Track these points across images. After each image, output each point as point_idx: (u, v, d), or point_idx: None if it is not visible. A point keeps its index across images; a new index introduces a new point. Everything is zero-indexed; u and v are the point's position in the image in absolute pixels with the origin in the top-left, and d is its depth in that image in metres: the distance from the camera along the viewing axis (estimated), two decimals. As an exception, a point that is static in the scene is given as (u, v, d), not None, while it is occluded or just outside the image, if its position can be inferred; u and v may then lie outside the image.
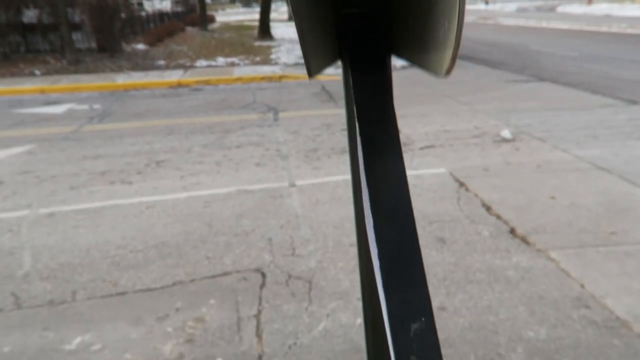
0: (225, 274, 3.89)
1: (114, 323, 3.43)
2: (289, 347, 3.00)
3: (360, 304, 3.40)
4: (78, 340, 3.29)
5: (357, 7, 0.67)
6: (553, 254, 4.00)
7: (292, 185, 5.85)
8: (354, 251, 4.07)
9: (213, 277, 3.86)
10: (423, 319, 0.50)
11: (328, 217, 4.81)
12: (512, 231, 4.44)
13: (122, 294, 3.75)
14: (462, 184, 5.66)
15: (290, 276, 3.79)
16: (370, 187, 0.57)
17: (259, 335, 3.15)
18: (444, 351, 2.83)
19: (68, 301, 3.78)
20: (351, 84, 0.64)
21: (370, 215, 0.55)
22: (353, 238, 4.30)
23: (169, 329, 3.28)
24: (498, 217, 4.75)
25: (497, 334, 3.04)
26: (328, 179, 5.94)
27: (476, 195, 5.30)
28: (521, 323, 3.14)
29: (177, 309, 3.49)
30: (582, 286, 3.53)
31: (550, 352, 2.88)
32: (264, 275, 3.84)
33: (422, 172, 6.12)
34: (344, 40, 0.67)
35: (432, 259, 3.96)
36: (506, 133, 7.60)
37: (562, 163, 6.26)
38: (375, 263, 0.53)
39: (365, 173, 0.58)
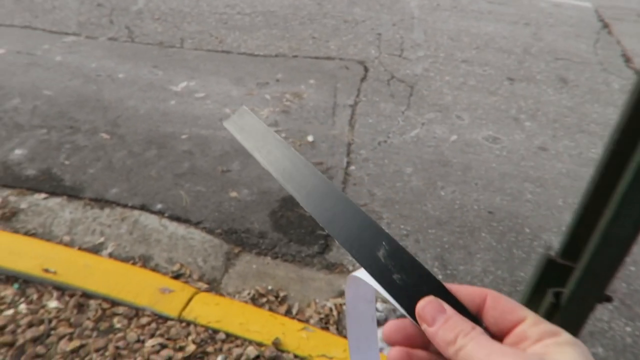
0: (329, 58, 3.79)
1: (218, 77, 3.54)
2: (379, 144, 3.02)
3: (458, 122, 3.30)
4: (184, 84, 3.46)
5: None
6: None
7: (413, -19, 5.26)
8: (464, 68, 3.79)
9: (316, 58, 3.77)
10: None
11: (445, 25, 4.39)
12: (647, 91, 3.91)
13: (227, 52, 3.79)
14: (605, 25, 4.87)
15: (393, 77, 3.64)
16: None
17: (351, 124, 3.18)
18: (531, 189, 2.77)
19: (176, 46, 3.89)
20: None
21: None
22: (467, 54, 3.96)
23: (267, 97, 3.36)
24: (637, 72, 4.15)
25: (593, 188, 2.90)
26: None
27: (618, 42, 4.59)
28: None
29: (277, 80, 3.52)
30: None
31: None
32: (366, 69, 3.71)
33: (562, 0, 5.27)
34: None
35: (548, 97, 3.63)
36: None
37: None
38: None
39: None
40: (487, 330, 0.39)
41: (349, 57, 3.80)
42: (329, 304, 2.12)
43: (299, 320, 1.98)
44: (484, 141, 3.07)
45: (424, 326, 0.39)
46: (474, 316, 0.40)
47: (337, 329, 2.01)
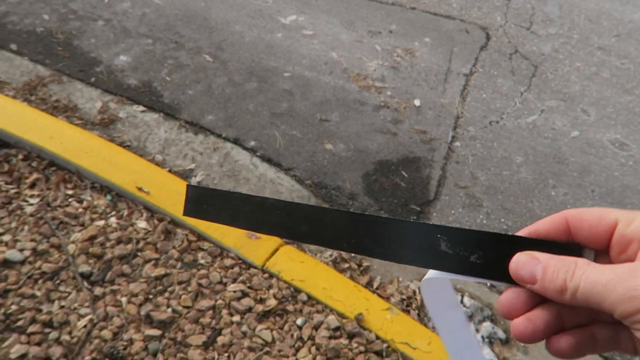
0: (449, 17, 3.46)
1: (328, 16, 3.32)
2: (490, 123, 2.76)
3: (582, 116, 2.94)
4: (293, 17, 3.27)
5: None
6: None
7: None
8: (600, 56, 3.36)
9: (435, 14, 3.45)
10: None
11: (585, 3, 3.89)
12: None
13: (341, -9, 3.53)
14: None
15: (516, 51, 3.28)
16: None
17: (463, 96, 2.91)
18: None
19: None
20: None
21: None
22: (605, 40, 3.50)
23: (378, 47, 3.12)
24: None
25: None
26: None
27: None
28: None
29: (391, 31, 3.25)
30: None
31: None
32: (488, 37, 3.36)
33: None
34: None
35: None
36: None
37: None
38: None
39: None
40: (587, 251, 0.37)
41: (471, 20, 3.46)
42: (413, 285, 1.98)
43: (380, 296, 1.86)
44: (609, 144, 2.73)
45: (528, 287, 0.37)
46: (570, 244, 0.38)
47: (419, 315, 1.88)
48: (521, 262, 0.37)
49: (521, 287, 0.38)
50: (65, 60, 2.61)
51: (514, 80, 3.07)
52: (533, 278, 0.36)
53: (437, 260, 0.39)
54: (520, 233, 0.42)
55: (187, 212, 0.48)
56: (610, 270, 0.33)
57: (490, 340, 1.83)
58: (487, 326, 1.87)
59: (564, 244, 0.38)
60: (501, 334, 1.84)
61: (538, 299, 0.39)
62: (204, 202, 0.47)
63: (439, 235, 0.39)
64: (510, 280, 0.38)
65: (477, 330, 1.84)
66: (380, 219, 0.41)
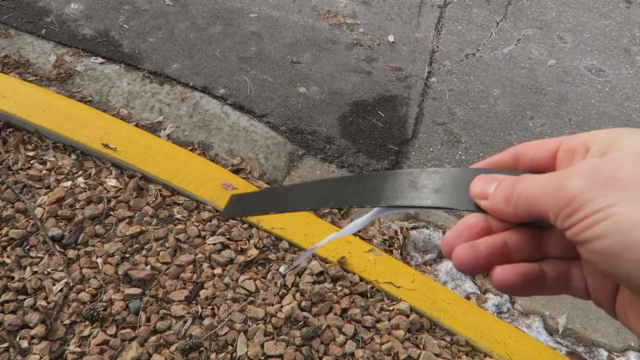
0: (420, -55, 3.28)
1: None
2: (466, 56, 2.68)
3: (559, 44, 2.88)
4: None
5: None
6: None
7: None
8: (575, -20, 3.25)
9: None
10: None
11: None
12: None
13: None
14: None
15: (491, -22, 3.15)
16: None
17: (438, 29, 2.81)
18: None
19: None
20: None
21: None
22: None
23: (347, -18, 2.96)
24: None
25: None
26: None
27: None
28: None
29: (360, -37, 3.08)
30: None
31: None
32: (462, -36, 3.21)
33: None
34: None
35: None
36: None
37: None
38: None
39: None
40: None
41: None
42: (395, 226, 1.98)
43: (362, 238, 1.85)
44: (585, 71, 2.70)
45: (482, 204, 0.37)
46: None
47: (402, 254, 1.88)
48: (481, 180, 0.38)
49: (473, 217, 0.38)
50: (10, 11, 2.40)
51: (489, 10, 2.97)
52: (486, 194, 0.37)
53: (410, 196, 0.41)
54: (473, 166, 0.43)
55: (226, 214, 0.54)
56: (549, 175, 0.32)
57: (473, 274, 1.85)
58: (469, 260, 1.88)
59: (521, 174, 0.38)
60: (483, 267, 1.86)
61: (484, 232, 0.38)
62: (240, 203, 0.54)
63: (410, 178, 0.42)
64: (470, 206, 0.39)
65: (460, 265, 1.86)
66: (361, 176, 0.46)
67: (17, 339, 1.31)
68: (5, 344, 1.30)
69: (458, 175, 0.40)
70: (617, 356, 1.70)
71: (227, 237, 1.65)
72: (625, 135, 0.32)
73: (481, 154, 2.26)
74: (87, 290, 1.43)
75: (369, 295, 1.59)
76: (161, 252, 1.55)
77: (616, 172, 0.28)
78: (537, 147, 0.38)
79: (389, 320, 1.54)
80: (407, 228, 1.99)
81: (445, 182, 0.40)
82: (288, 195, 0.50)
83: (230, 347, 1.39)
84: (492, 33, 2.83)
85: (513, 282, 0.35)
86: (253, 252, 1.61)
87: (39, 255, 1.49)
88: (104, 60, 2.30)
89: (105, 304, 1.41)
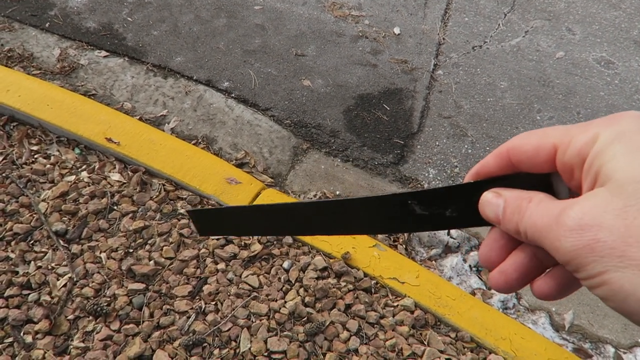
0: None
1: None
2: (473, 48, 2.65)
3: (568, 35, 2.83)
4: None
5: None
6: None
7: None
8: (585, -30, 3.19)
9: None
10: None
11: None
12: None
13: None
14: None
15: (499, -31, 3.10)
16: None
17: (444, 20, 2.77)
18: None
19: None
20: None
21: None
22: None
23: (353, -27, 2.93)
24: None
25: None
26: None
27: None
28: None
29: (366, -46, 3.04)
30: None
31: None
32: (469, -46, 3.16)
33: None
34: None
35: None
36: None
37: None
38: None
39: None
40: (555, 176, 0.35)
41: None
42: (399, 221, 1.96)
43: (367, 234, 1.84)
44: (594, 63, 2.65)
45: (498, 226, 0.37)
46: (538, 175, 0.36)
47: (406, 249, 1.87)
48: (486, 201, 0.37)
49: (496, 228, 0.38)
50: (14, 4, 2.40)
51: (496, 1, 2.93)
52: (497, 218, 0.36)
53: (418, 223, 0.40)
54: (467, 175, 0.41)
55: (202, 233, 0.51)
56: (549, 211, 0.32)
57: (478, 269, 1.84)
58: (474, 255, 1.87)
59: (532, 175, 0.36)
60: (488, 262, 1.84)
61: (514, 243, 0.38)
62: (208, 220, 0.51)
63: (409, 202, 0.40)
64: (487, 223, 0.38)
65: (465, 260, 1.85)
66: (356, 200, 0.41)
67: (22, 333, 1.32)
68: (10, 339, 1.30)
69: (465, 192, 0.39)
70: (624, 353, 1.68)
71: (231, 232, 1.64)
72: (619, 150, 0.30)
73: (488, 148, 2.24)
74: (90, 285, 1.43)
75: (373, 291, 1.58)
76: (165, 247, 1.55)
77: (599, 233, 0.29)
78: (533, 158, 0.35)
79: (393, 316, 1.53)
80: (412, 223, 1.97)
81: (455, 202, 0.40)
82: (266, 217, 0.47)
83: (233, 343, 1.38)
84: (499, 25, 2.79)
85: (551, 292, 0.37)
86: (257, 248, 1.60)
87: (43, 250, 1.49)
88: (107, 54, 2.29)
89: (108, 299, 1.41)
